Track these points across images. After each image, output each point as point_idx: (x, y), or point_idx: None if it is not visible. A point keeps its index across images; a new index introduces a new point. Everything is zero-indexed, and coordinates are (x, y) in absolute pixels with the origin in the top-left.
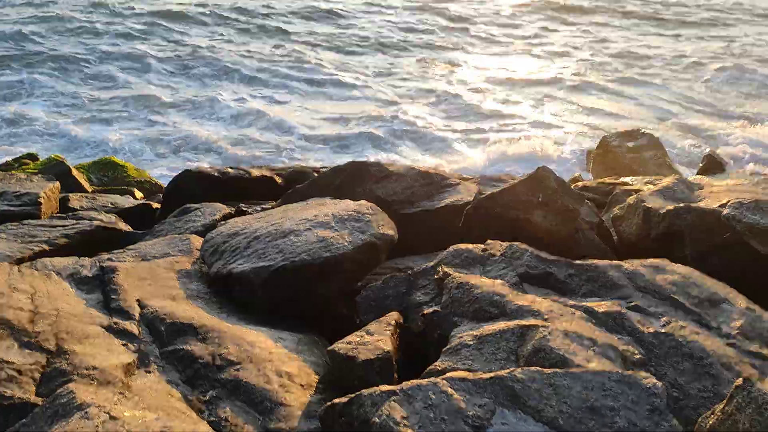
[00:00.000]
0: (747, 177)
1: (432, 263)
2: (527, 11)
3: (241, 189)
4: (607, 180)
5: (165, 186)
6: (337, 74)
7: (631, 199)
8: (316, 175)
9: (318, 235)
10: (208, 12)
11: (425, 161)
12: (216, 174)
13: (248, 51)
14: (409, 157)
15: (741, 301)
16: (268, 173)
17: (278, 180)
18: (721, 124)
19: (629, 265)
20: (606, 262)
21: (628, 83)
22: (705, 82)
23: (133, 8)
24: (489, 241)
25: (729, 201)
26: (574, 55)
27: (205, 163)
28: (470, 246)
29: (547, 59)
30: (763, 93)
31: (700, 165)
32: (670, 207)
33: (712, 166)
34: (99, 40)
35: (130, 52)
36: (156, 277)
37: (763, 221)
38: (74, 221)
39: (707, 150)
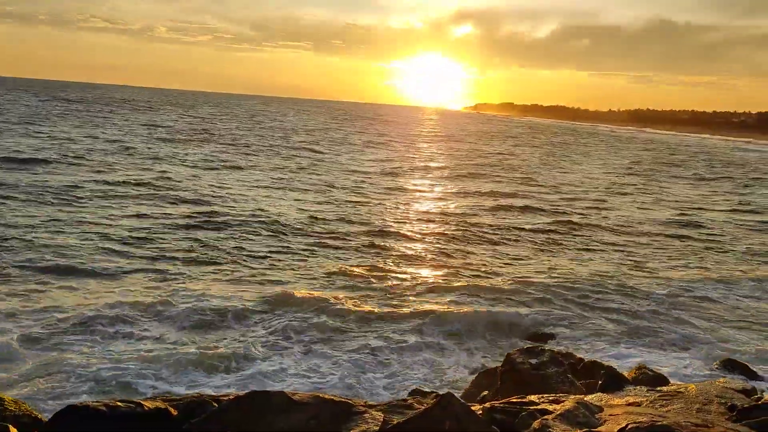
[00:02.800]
0: (644, 394)
1: None
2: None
3: (131, 425)
4: (514, 399)
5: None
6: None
7: (536, 424)
8: (215, 405)
9: None
10: None
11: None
12: (103, 409)
13: None
14: None
15: None
16: (162, 405)
17: (173, 412)
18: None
19: None
20: None
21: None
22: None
23: None
24: None
25: (627, 425)
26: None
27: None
28: None
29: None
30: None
31: (599, 382)
32: None
33: (610, 382)
34: None
35: None
36: None
37: None
38: None
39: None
